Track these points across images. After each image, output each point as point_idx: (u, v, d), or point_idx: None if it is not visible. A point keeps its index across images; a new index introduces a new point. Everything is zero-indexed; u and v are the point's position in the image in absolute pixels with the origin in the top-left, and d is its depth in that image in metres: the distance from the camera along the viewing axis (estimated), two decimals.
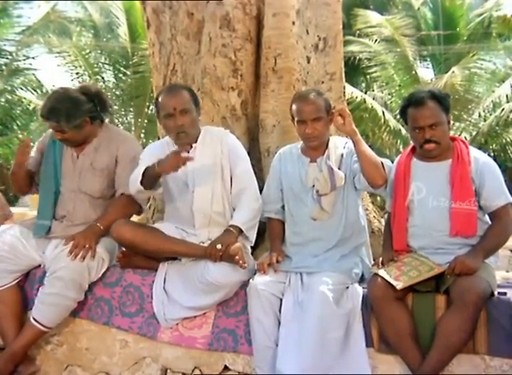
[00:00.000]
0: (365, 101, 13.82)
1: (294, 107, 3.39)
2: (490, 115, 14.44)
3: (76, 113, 3.49)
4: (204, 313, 3.35)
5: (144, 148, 3.76)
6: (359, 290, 3.18)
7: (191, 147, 3.46)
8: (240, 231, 3.31)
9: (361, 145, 3.20)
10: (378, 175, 3.22)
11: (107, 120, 3.83)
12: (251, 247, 3.51)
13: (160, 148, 3.56)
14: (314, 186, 3.38)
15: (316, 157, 3.43)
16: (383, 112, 13.95)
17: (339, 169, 3.37)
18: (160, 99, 3.44)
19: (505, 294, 3.03)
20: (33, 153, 3.73)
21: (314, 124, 3.33)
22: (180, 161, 3.15)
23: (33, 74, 17.29)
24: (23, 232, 3.57)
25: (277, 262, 3.28)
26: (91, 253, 3.38)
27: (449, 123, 3.24)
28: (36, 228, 3.59)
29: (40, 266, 3.55)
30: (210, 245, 3.25)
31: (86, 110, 3.53)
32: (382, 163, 3.25)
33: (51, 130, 3.75)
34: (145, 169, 3.26)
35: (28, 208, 10.78)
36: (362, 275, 3.35)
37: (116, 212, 3.50)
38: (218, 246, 3.18)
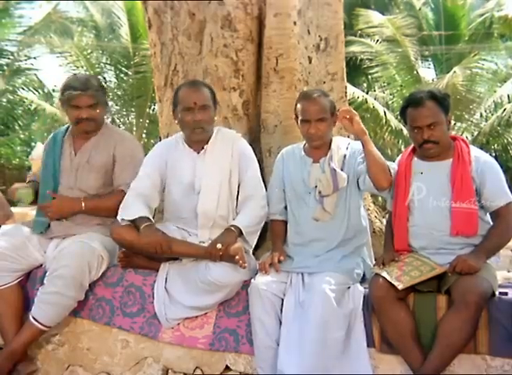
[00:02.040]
0: (367, 102, 13.83)
1: (299, 106, 3.39)
2: (492, 115, 14.43)
3: (104, 89, 3.66)
4: (206, 313, 3.35)
5: (145, 148, 3.78)
6: (360, 290, 3.17)
7: (202, 148, 3.47)
8: (240, 233, 3.30)
9: (370, 145, 3.19)
10: (383, 177, 3.21)
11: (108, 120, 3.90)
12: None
13: (168, 147, 3.58)
14: (316, 186, 3.38)
15: (319, 157, 3.43)
16: (385, 112, 13.95)
17: (341, 170, 3.36)
18: (180, 93, 3.46)
19: (506, 294, 3.03)
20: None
21: (318, 124, 3.33)
22: (158, 252, 3.22)
23: (35, 74, 17.35)
24: (26, 232, 3.60)
25: (279, 261, 3.28)
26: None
27: (449, 122, 3.24)
28: (35, 224, 3.63)
29: (41, 265, 3.56)
30: (210, 244, 3.25)
31: (106, 91, 3.69)
32: (387, 166, 3.25)
33: (53, 133, 3.83)
34: (137, 218, 3.30)
35: (29, 208, 10.78)
36: (363, 275, 3.35)
37: (108, 202, 3.54)
38: (219, 246, 3.18)
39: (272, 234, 3.59)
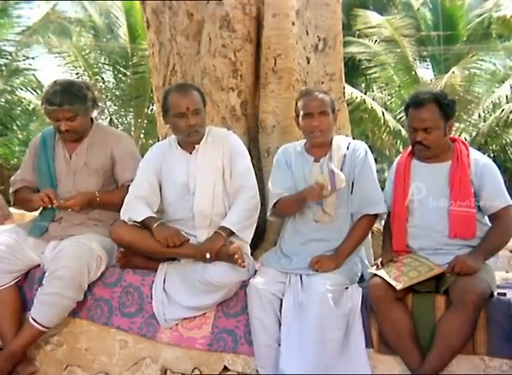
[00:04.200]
0: (365, 102, 13.87)
1: (301, 102, 3.40)
2: (490, 115, 14.48)
3: (86, 95, 3.55)
4: (204, 314, 3.35)
5: (143, 148, 3.78)
6: (359, 290, 3.17)
7: (194, 148, 3.46)
8: (232, 232, 3.29)
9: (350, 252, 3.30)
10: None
11: (105, 121, 3.87)
12: (251, 247, 3.50)
13: (162, 149, 3.57)
14: None
15: (320, 157, 3.41)
16: (383, 113, 13.99)
17: (341, 170, 3.33)
18: (170, 98, 3.43)
19: (504, 294, 3.04)
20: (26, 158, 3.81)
21: (321, 118, 3.33)
22: (176, 243, 3.25)
23: (33, 74, 17.30)
24: (20, 233, 3.57)
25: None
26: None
27: (450, 128, 3.22)
28: (33, 228, 3.60)
29: (39, 265, 3.55)
30: (199, 250, 3.23)
31: (90, 96, 3.59)
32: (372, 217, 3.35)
33: (39, 135, 3.81)
34: (144, 218, 3.33)
35: None
36: (362, 275, 3.35)
37: (115, 198, 3.52)
38: (208, 255, 3.19)
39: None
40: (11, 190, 3.77)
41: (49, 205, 3.48)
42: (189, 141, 3.45)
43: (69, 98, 3.47)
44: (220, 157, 3.46)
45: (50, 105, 3.49)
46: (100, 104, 3.74)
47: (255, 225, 3.42)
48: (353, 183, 3.36)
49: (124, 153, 3.67)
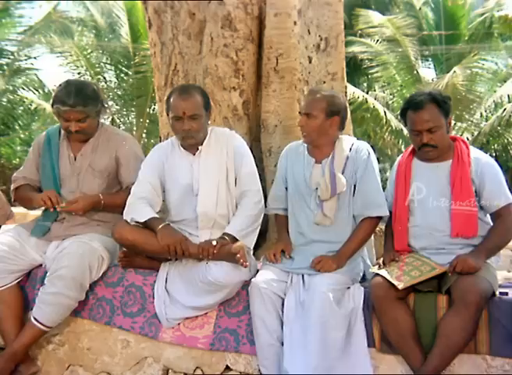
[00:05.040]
0: (367, 101, 13.85)
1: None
2: (492, 115, 14.46)
3: (99, 97, 3.58)
4: (206, 313, 3.35)
5: (145, 148, 3.78)
6: (361, 290, 3.17)
7: (197, 149, 3.46)
8: (235, 239, 3.28)
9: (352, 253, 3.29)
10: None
11: (107, 121, 3.87)
12: (253, 247, 3.50)
13: (164, 150, 3.57)
14: (317, 188, 3.35)
15: (321, 158, 3.39)
16: (385, 112, 13.97)
17: (343, 172, 3.32)
18: (172, 99, 3.42)
19: (506, 294, 3.04)
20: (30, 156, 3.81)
21: (306, 119, 3.33)
22: (178, 252, 3.22)
23: (35, 74, 17.32)
24: (22, 233, 3.58)
25: (288, 253, 3.31)
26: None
27: (450, 124, 3.23)
28: (35, 228, 3.60)
29: (41, 265, 3.55)
30: (205, 242, 3.24)
31: (101, 98, 3.61)
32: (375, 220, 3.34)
33: (44, 134, 3.80)
34: (150, 219, 3.32)
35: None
36: (364, 275, 3.35)
37: (119, 200, 3.52)
38: (214, 242, 3.19)
39: (277, 227, 3.59)
40: (12, 186, 3.77)
41: (51, 209, 3.48)
42: (184, 145, 3.47)
43: (82, 100, 3.47)
44: (224, 158, 3.46)
45: (63, 105, 3.48)
46: (107, 106, 3.69)
47: (259, 228, 3.43)
48: (355, 186, 3.35)
49: (128, 155, 3.67)
